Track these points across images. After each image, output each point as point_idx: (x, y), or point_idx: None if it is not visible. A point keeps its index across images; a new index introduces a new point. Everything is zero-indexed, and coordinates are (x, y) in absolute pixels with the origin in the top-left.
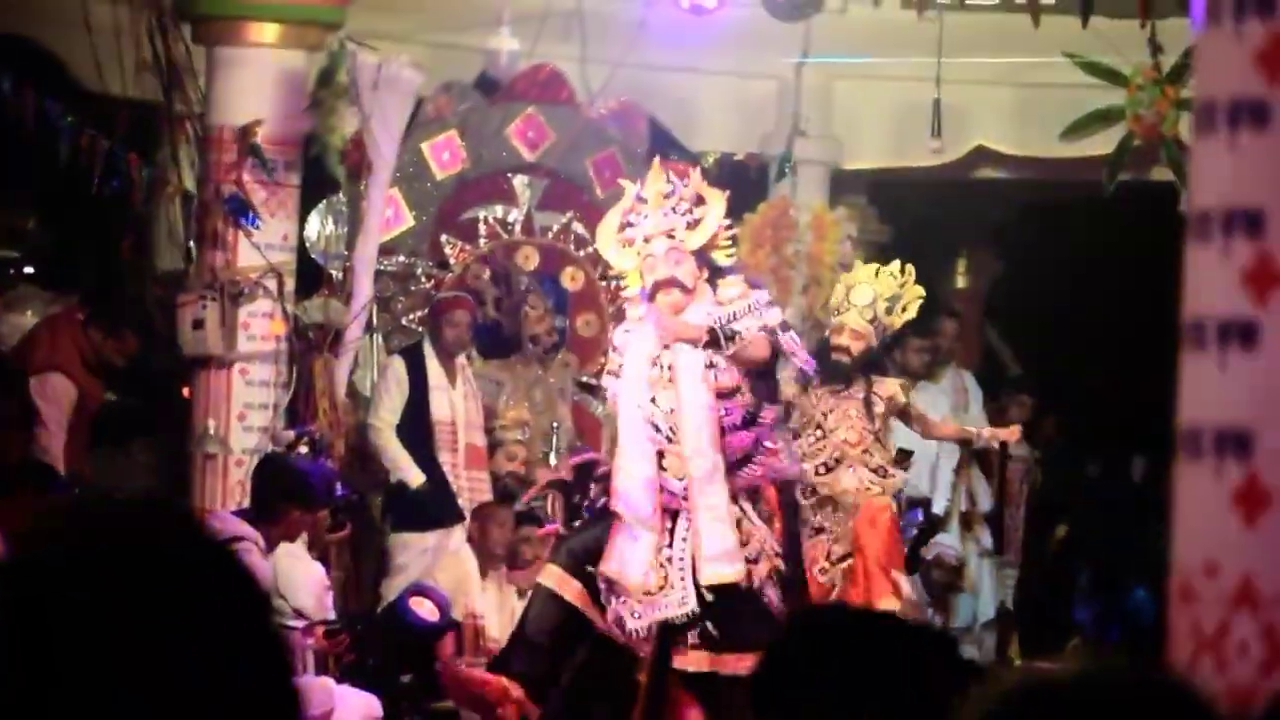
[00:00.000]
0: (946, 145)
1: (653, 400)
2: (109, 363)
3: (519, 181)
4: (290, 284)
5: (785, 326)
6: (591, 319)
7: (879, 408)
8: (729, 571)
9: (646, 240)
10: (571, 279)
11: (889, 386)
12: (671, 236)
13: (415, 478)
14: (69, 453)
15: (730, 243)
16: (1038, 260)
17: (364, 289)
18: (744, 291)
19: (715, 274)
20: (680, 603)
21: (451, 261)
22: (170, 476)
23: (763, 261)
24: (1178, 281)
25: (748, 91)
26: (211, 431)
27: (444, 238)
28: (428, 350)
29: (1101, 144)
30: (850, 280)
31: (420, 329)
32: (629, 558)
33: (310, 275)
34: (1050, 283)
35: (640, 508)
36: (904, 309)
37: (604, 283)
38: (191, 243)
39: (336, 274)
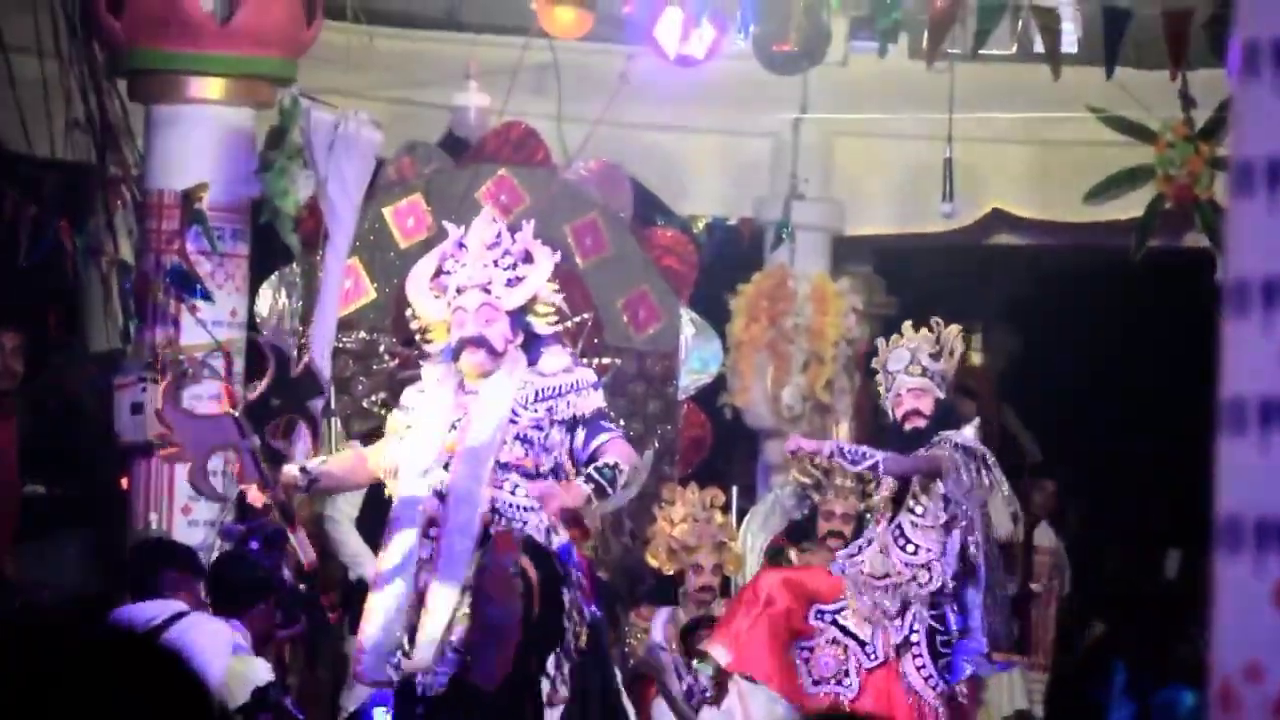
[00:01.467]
0: (959, 209)
1: (446, 467)
2: (6, 380)
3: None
4: (240, 364)
5: (603, 415)
6: None
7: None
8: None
9: (459, 291)
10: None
11: (962, 437)
12: (487, 291)
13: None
14: None
15: (553, 311)
16: (1060, 335)
17: (321, 368)
18: (568, 366)
19: (532, 341)
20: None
21: (417, 338)
22: (106, 573)
23: (759, 336)
24: (1214, 358)
25: (740, 151)
26: (154, 526)
27: (409, 312)
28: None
29: (1129, 207)
30: (879, 361)
31: (382, 412)
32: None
33: (261, 354)
34: (1074, 360)
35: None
36: (951, 352)
37: (584, 359)
38: (130, 319)
39: (290, 352)
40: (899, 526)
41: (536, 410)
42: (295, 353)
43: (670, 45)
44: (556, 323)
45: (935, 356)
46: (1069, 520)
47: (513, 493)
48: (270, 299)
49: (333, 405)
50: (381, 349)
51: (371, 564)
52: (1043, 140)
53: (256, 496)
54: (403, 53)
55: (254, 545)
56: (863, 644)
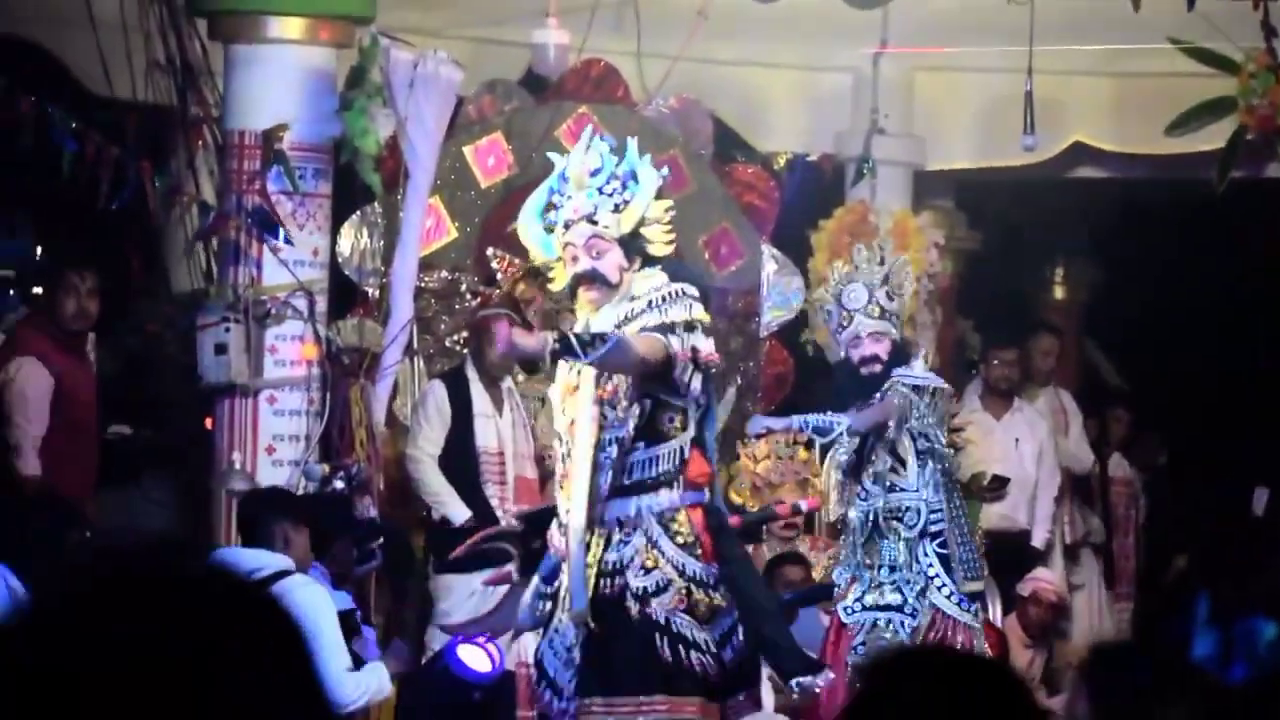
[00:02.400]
0: (1040, 142)
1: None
2: (81, 321)
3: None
4: (322, 304)
5: (690, 327)
6: None
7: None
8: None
9: (566, 226)
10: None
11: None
12: (594, 222)
13: (460, 514)
14: (58, 458)
15: (669, 228)
16: (1142, 267)
17: (403, 308)
18: (661, 284)
19: (650, 265)
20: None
21: (499, 276)
22: (192, 515)
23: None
24: None
25: (820, 86)
26: (237, 466)
27: (490, 251)
28: (471, 374)
29: (1211, 138)
30: (833, 289)
31: (465, 350)
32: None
33: (344, 294)
34: (1156, 292)
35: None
36: (901, 284)
37: None
38: (211, 259)
39: (373, 292)
40: (875, 475)
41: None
42: (378, 294)
43: None
44: (671, 242)
45: (890, 295)
46: (1148, 452)
47: (607, 426)
48: (352, 239)
49: (414, 344)
50: (463, 288)
51: (454, 503)
52: (1123, 72)
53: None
54: None
55: (338, 485)
56: (899, 608)
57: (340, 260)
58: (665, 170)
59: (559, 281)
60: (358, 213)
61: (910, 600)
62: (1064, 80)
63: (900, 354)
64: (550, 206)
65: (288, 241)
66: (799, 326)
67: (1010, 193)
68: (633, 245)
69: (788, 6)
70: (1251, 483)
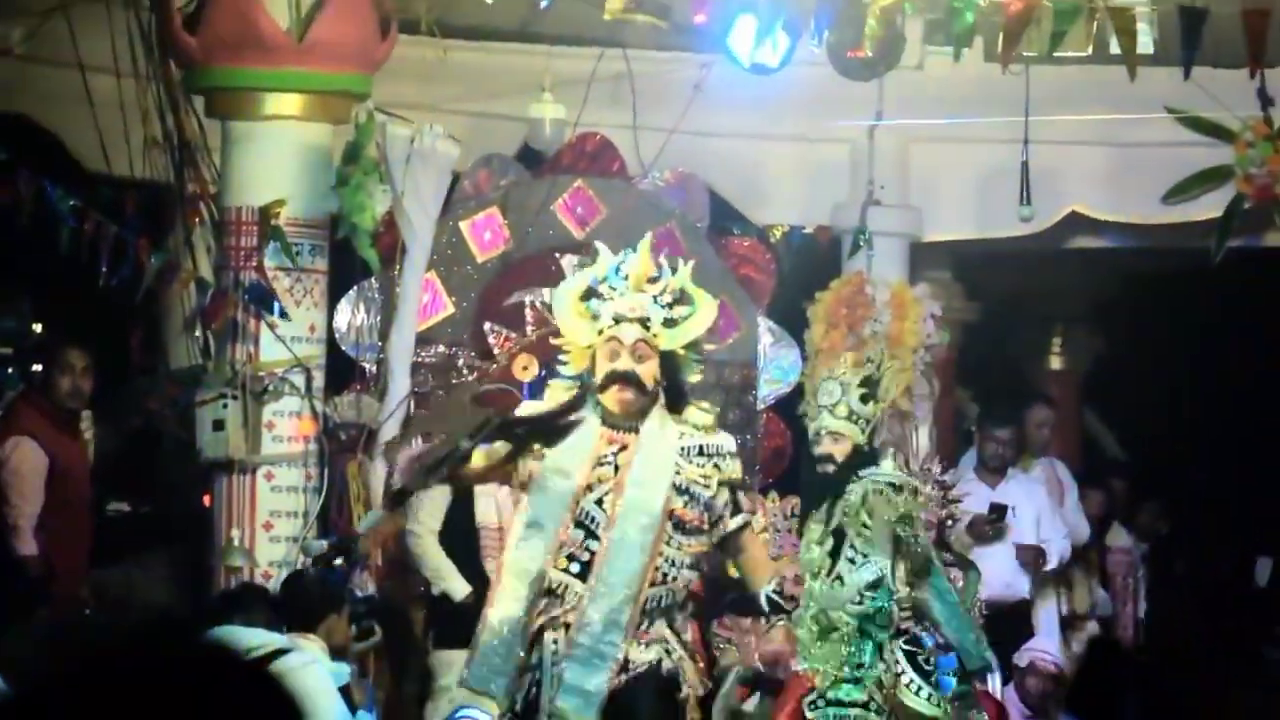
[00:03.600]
0: (1037, 212)
1: (599, 502)
2: (76, 400)
3: (568, 262)
4: (319, 379)
5: (742, 486)
6: None
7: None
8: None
9: (616, 321)
10: None
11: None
12: (646, 327)
13: (460, 589)
14: (53, 536)
15: (702, 363)
16: (1140, 336)
17: (400, 383)
18: (714, 425)
19: (675, 392)
20: None
21: (495, 351)
22: (191, 592)
23: (837, 344)
24: None
25: (816, 158)
26: (236, 543)
27: (487, 325)
28: None
29: (1209, 207)
30: (813, 379)
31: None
32: None
33: (341, 369)
34: (1155, 361)
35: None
36: (886, 391)
37: None
38: (209, 336)
39: (370, 367)
40: (838, 576)
41: (703, 466)
42: (376, 369)
43: (744, 53)
44: (701, 374)
45: (865, 399)
46: (1150, 522)
47: (677, 547)
48: (349, 314)
49: (412, 419)
50: (460, 363)
51: (455, 578)
52: (1120, 141)
53: None
54: (477, 65)
55: (337, 561)
56: (865, 705)
57: (337, 336)
58: (718, 302)
59: (575, 366)
60: (355, 288)
61: (877, 699)
62: (1060, 150)
63: (865, 457)
64: (592, 293)
65: (284, 317)
66: (796, 399)
67: (1007, 263)
68: (669, 364)
69: (783, 79)
70: (1254, 552)
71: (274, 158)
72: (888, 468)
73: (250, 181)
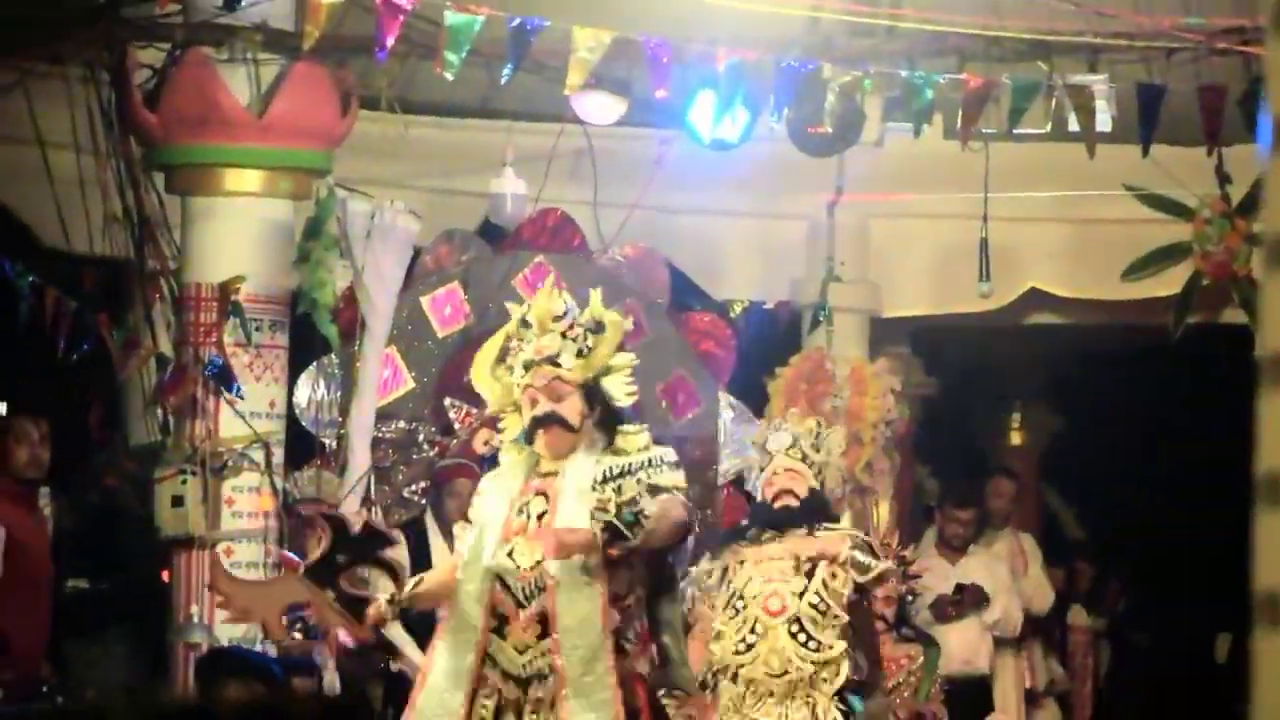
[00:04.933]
0: (996, 289)
1: (509, 555)
2: (34, 469)
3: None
4: (279, 455)
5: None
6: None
7: (822, 566)
8: None
9: (526, 368)
10: None
11: (832, 540)
12: (556, 364)
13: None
14: (10, 612)
15: (631, 381)
16: (1099, 413)
17: (360, 459)
18: (647, 444)
19: (609, 417)
20: None
21: (456, 426)
22: (151, 669)
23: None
24: (1254, 435)
25: (776, 234)
26: (195, 619)
27: (447, 400)
28: (430, 525)
29: (1167, 284)
30: (758, 437)
31: (423, 501)
32: None
33: (301, 445)
34: (1114, 438)
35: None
36: (832, 448)
37: None
38: (168, 412)
39: (330, 443)
40: (798, 620)
41: (604, 490)
42: (336, 444)
43: (704, 129)
44: (632, 394)
45: (815, 448)
46: (1109, 599)
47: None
48: (308, 390)
49: (372, 495)
50: (421, 438)
51: (414, 654)
52: (1079, 218)
53: (347, 638)
54: (438, 141)
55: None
56: None
57: (297, 411)
58: (630, 319)
59: (510, 431)
60: (315, 364)
61: None
62: (1019, 227)
63: (819, 503)
64: (504, 354)
65: (240, 395)
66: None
67: (967, 339)
68: (596, 394)
69: (743, 156)
70: (1213, 629)
71: (234, 233)
72: (846, 523)
73: (210, 257)
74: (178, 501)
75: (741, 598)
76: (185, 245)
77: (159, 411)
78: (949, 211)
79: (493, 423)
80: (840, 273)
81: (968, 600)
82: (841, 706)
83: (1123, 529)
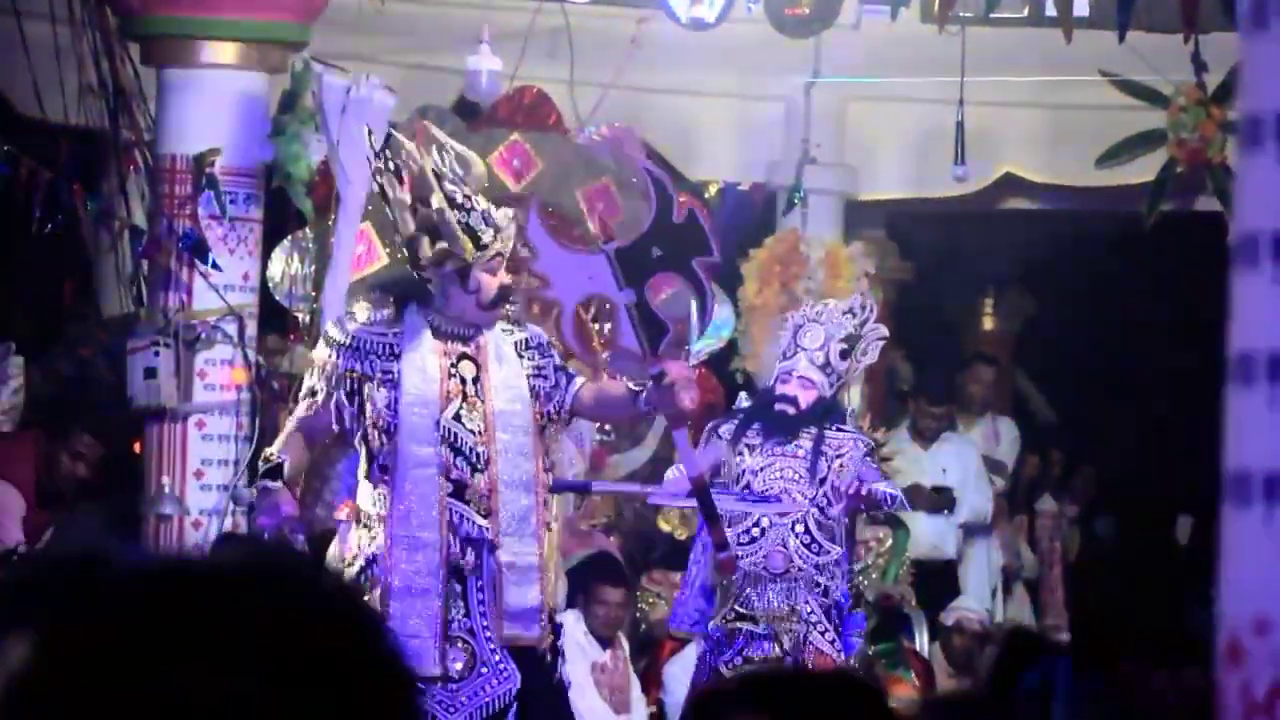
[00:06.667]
0: (971, 173)
1: (455, 417)
2: (70, 481)
3: (503, 214)
4: (252, 328)
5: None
6: (583, 365)
7: (829, 468)
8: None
9: (487, 225)
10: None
11: (842, 440)
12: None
13: None
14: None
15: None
16: (1073, 298)
17: None
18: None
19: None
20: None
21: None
22: (121, 541)
23: (771, 301)
24: (1225, 320)
25: (752, 115)
26: (166, 490)
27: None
28: None
29: (1141, 171)
30: (798, 318)
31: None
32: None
33: (274, 318)
34: (1087, 323)
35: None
36: (864, 353)
37: (596, 324)
38: (142, 284)
39: (303, 317)
40: (804, 522)
41: (534, 358)
42: (309, 319)
43: (682, 8)
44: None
45: (844, 355)
46: (1082, 487)
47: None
48: (282, 264)
49: None
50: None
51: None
52: (1055, 104)
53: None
54: (415, 17)
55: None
56: (781, 656)
57: (270, 285)
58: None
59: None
60: (289, 238)
61: (789, 648)
62: (995, 111)
63: (828, 406)
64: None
65: (216, 267)
66: (729, 355)
67: (941, 223)
68: None
69: (721, 35)
70: (1175, 511)
71: (209, 106)
72: (851, 427)
73: (185, 129)
74: (150, 373)
75: (749, 489)
76: (161, 117)
77: (132, 283)
78: (925, 95)
79: None
80: (816, 155)
81: (929, 505)
82: (824, 600)
83: (1092, 413)
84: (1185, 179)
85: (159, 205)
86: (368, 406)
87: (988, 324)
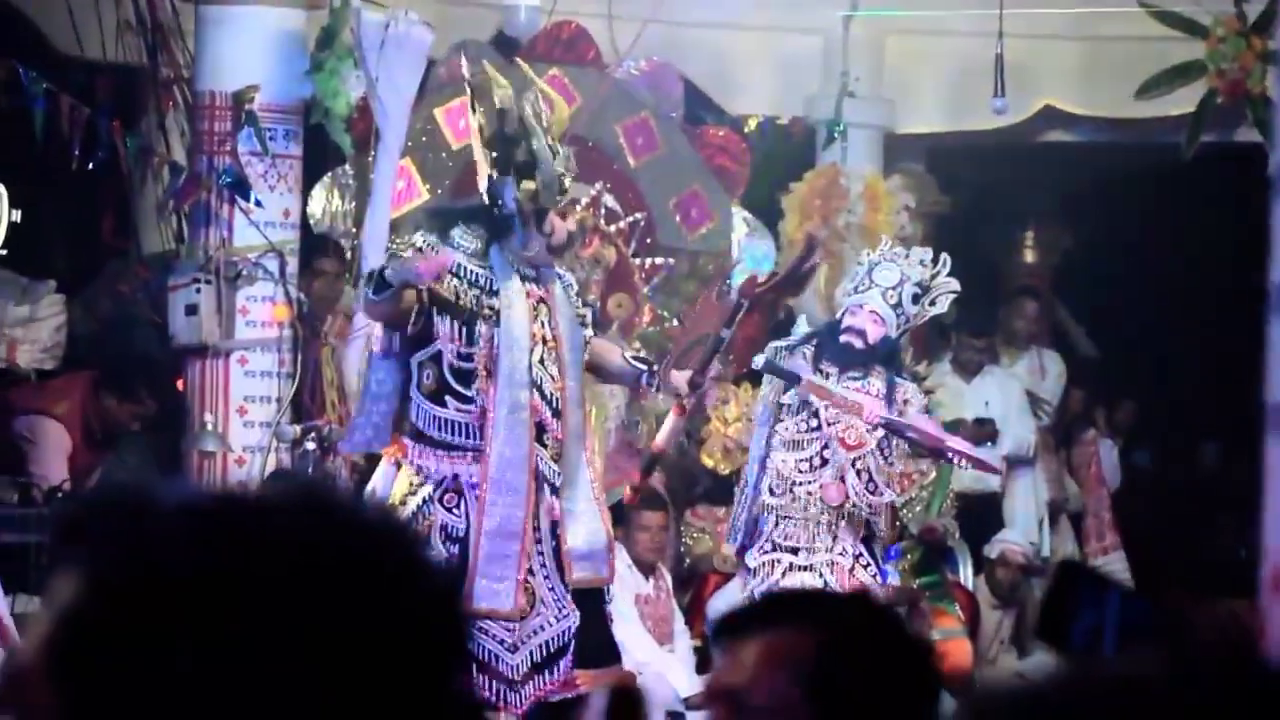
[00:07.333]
0: (1010, 106)
1: (540, 361)
2: (119, 427)
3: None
4: (293, 265)
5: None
6: (624, 300)
7: (898, 414)
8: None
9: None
10: (599, 256)
11: (910, 391)
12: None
13: None
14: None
15: None
16: (1112, 231)
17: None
18: None
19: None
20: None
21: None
22: (165, 478)
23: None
24: (1265, 251)
25: (790, 48)
26: (209, 427)
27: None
28: None
29: (1180, 102)
30: (875, 256)
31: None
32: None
33: (315, 255)
34: (1126, 255)
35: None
36: (933, 303)
37: (637, 260)
38: (183, 220)
39: (344, 253)
40: (867, 461)
41: (578, 306)
42: (350, 255)
43: None
44: None
45: (916, 300)
46: (1120, 419)
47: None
48: (323, 200)
49: None
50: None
51: None
52: (1094, 36)
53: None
54: None
55: (310, 446)
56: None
57: (311, 221)
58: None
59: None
60: (329, 174)
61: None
62: (1034, 44)
63: (889, 356)
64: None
65: (258, 203)
66: None
67: (981, 156)
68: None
69: None
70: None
71: (248, 42)
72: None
73: (224, 66)
74: (191, 310)
75: (816, 416)
76: (199, 53)
77: (173, 220)
78: (964, 28)
79: None
80: (855, 88)
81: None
82: (868, 535)
83: (1131, 345)
84: (1224, 110)
85: (198, 142)
86: (456, 332)
87: (1028, 257)
